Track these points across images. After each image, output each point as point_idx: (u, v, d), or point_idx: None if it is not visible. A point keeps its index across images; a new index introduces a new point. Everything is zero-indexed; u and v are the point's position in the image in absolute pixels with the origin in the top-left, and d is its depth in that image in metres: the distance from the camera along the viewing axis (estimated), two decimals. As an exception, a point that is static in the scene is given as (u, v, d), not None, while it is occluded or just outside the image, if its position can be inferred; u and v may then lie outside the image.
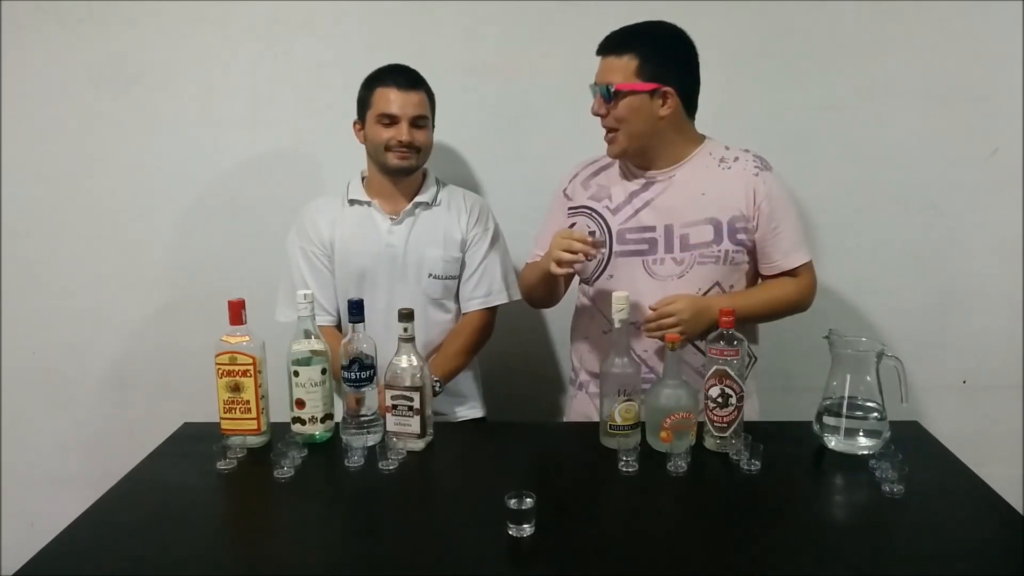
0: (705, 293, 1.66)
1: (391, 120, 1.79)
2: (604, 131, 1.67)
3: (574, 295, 1.85)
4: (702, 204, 1.66)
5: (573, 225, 1.74)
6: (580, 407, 1.82)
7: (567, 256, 1.56)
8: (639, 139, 1.64)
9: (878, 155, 2.14)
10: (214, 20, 2.12)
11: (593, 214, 1.73)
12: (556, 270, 1.59)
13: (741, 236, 1.66)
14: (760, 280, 1.75)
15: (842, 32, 2.08)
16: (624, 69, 1.59)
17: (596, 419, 1.76)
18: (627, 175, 1.72)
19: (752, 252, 1.70)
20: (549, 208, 1.85)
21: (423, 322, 1.82)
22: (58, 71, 2.15)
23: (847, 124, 2.12)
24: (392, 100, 1.79)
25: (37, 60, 2.15)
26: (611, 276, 1.71)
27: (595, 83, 1.65)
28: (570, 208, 1.77)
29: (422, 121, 1.81)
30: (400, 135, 1.78)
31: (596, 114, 1.65)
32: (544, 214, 1.86)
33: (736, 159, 1.69)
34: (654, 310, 1.59)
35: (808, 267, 1.72)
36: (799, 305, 1.74)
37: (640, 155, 1.68)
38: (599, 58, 1.64)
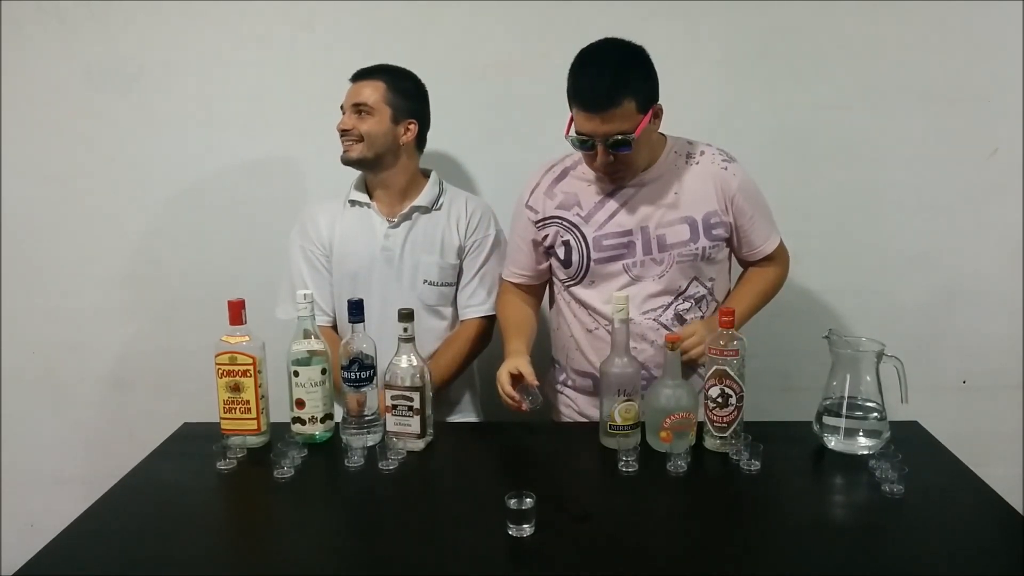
0: (684, 289, 1.67)
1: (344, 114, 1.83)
2: (602, 164, 1.57)
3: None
4: (676, 204, 1.64)
5: (546, 237, 1.70)
6: (570, 403, 1.81)
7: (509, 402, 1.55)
8: (643, 162, 1.63)
9: (878, 155, 2.14)
10: (214, 20, 2.12)
11: (564, 224, 1.68)
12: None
13: (717, 231, 1.65)
14: (742, 268, 1.79)
15: (842, 32, 2.07)
16: (627, 115, 1.50)
17: (586, 416, 1.77)
18: (595, 180, 1.67)
19: (729, 243, 1.71)
20: (512, 226, 1.79)
21: (417, 328, 1.80)
22: (58, 71, 2.15)
23: (847, 124, 2.12)
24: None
25: (37, 60, 2.15)
26: (592, 281, 1.69)
27: (581, 135, 1.53)
28: (538, 222, 1.71)
29: (363, 108, 1.78)
30: (339, 124, 1.81)
31: (604, 165, 1.56)
32: (510, 231, 1.81)
33: (702, 153, 1.68)
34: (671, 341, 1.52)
35: (782, 244, 1.78)
36: (782, 284, 1.81)
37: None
38: (581, 112, 1.51)
